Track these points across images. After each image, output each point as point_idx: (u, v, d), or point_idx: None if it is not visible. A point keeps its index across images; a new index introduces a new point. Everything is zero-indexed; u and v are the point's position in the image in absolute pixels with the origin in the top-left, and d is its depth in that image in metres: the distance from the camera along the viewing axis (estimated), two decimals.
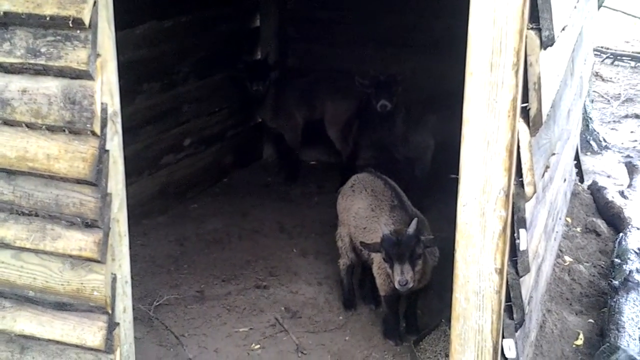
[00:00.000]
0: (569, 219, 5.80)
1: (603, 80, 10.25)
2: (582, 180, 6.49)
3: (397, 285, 3.95)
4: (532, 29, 2.90)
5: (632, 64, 11.09)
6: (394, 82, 5.79)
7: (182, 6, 5.98)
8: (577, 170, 6.44)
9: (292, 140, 6.85)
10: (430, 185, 6.03)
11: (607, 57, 11.20)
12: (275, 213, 6.18)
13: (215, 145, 6.74)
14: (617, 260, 4.99)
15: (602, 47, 11.23)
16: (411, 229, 3.92)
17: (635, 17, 12.07)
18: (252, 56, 7.06)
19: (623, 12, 11.87)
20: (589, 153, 7.38)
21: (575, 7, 3.95)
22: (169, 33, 5.88)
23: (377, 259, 4.27)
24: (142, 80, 5.66)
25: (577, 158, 6.34)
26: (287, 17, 7.16)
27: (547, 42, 2.93)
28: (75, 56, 3.21)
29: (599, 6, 7.05)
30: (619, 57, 11.26)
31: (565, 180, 5.25)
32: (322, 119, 6.78)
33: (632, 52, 11.46)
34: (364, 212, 4.45)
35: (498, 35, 2.85)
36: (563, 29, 3.35)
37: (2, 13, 3.23)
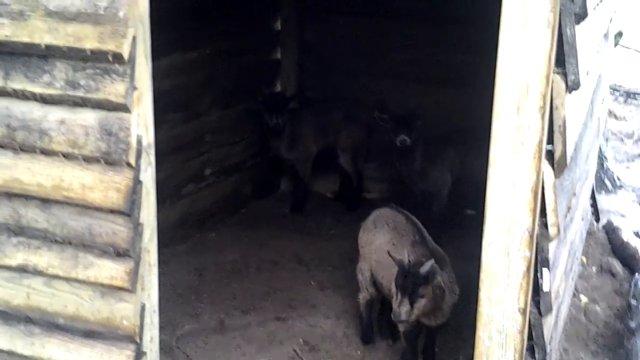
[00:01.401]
0: (584, 259, 5.86)
1: (616, 118, 10.32)
2: (597, 220, 6.54)
3: (392, 315, 4.01)
4: (558, 73, 2.99)
5: None
6: (413, 117, 5.89)
7: (206, 38, 6.10)
8: (592, 209, 6.50)
9: (304, 170, 6.96)
10: (447, 220, 6.09)
11: (620, 95, 11.28)
12: (292, 245, 6.24)
13: (235, 176, 6.83)
14: (634, 302, 5.03)
15: (615, 85, 11.32)
16: (423, 269, 3.97)
17: None
18: (272, 87, 7.18)
19: (636, 50, 11.99)
20: (603, 192, 7.43)
21: (597, 51, 4.05)
22: (193, 65, 6.00)
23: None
24: (166, 110, 5.75)
25: (593, 197, 6.40)
26: (306, 50, 7.29)
27: (572, 86, 3.02)
28: (113, 89, 3.31)
29: (615, 45, 7.14)
30: (632, 95, 11.34)
31: (582, 219, 5.31)
32: (334, 146, 6.91)
33: None
34: (385, 246, 4.51)
35: (525, 79, 2.95)
36: (587, 73, 3.45)
37: (43, 46, 3.35)
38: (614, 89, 11.11)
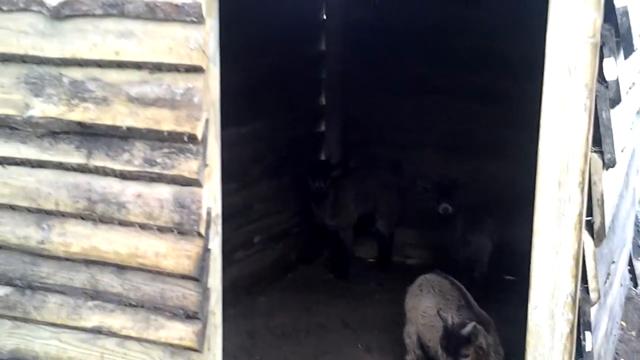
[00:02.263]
0: (623, 323, 6.02)
1: None
2: (635, 285, 6.71)
3: None
4: (595, 152, 3.28)
5: None
6: (454, 186, 6.17)
7: (258, 114, 6.49)
8: (630, 275, 6.67)
9: (346, 236, 7.23)
10: (488, 285, 6.31)
11: None
12: (338, 309, 6.47)
13: (282, 242, 7.13)
14: None
15: None
16: (465, 330, 4.20)
17: None
18: (317, 157, 7.54)
19: None
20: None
21: (631, 129, 4.34)
22: (246, 138, 6.37)
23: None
24: (222, 181, 6.10)
25: (630, 263, 6.59)
26: (349, 122, 7.65)
27: (609, 164, 3.30)
28: (187, 166, 3.66)
29: None
30: None
31: (621, 285, 5.51)
32: (373, 212, 7.21)
33: None
34: (431, 310, 4.75)
35: (565, 158, 3.23)
36: (622, 150, 3.73)
37: (124, 128, 3.72)
38: None
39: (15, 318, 4.19)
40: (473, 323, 4.25)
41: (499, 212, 6.39)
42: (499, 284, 6.53)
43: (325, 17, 7.45)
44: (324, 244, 7.75)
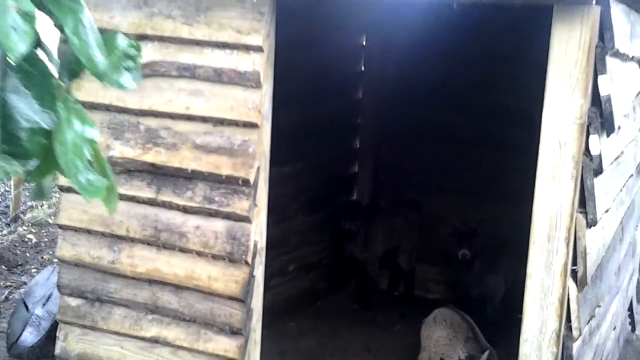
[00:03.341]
0: None
1: None
2: (634, 330, 7.26)
3: None
4: (580, 212, 3.92)
5: None
6: (474, 234, 6.80)
7: (298, 155, 7.20)
8: (630, 320, 7.23)
9: (373, 269, 7.88)
10: (500, 322, 6.90)
11: None
12: (361, 335, 7.09)
13: (313, 272, 7.80)
14: None
15: None
16: (483, 358, 4.84)
17: None
18: (349, 196, 8.23)
19: None
20: None
21: (621, 191, 4.97)
22: (286, 177, 7.05)
23: None
24: None
25: (630, 309, 7.15)
26: (381, 165, 8.34)
27: (591, 223, 3.93)
28: (240, 205, 4.37)
29: None
30: None
31: (615, 328, 6.09)
32: (396, 248, 7.87)
33: None
34: (442, 340, 5.39)
35: (555, 216, 3.88)
36: (607, 211, 4.37)
37: (190, 170, 4.45)
38: None
39: (84, 326, 4.91)
40: (487, 352, 4.89)
41: (512, 255, 7.00)
42: (510, 321, 7.11)
43: (363, 68, 8.18)
44: (351, 275, 8.42)
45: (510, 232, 7.18)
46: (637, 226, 6.11)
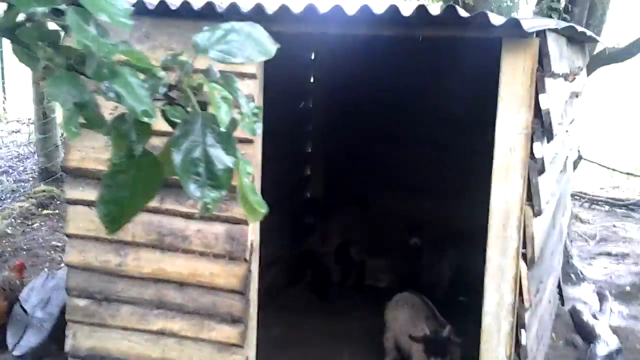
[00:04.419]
0: (553, 335, 7.52)
1: (581, 222, 12.11)
2: (563, 304, 8.23)
3: None
4: (528, 205, 4.75)
5: (606, 208, 13.01)
6: (423, 224, 7.61)
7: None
8: (559, 296, 8.21)
9: (328, 262, 8.63)
10: (447, 304, 7.73)
11: (585, 202, 13.14)
12: (323, 324, 7.68)
13: (274, 268, 8.46)
14: None
15: (581, 193, 13.18)
16: (446, 332, 5.63)
17: (609, 168, 14.15)
18: (304, 196, 8.96)
19: (599, 165, 13.94)
20: (569, 283, 9.15)
21: (556, 184, 5.85)
22: None
23: (417, 354, 5.96)
24: None
25: (559, 287, 8.12)
26: (331, 167, 9.08)
27: (537, 213, 4.77)
28: (237, 210, 4.97)
29: (575, 168, 8.98)
30: (595, 202, 13.20)
31: (550, 302, 7.01)
32: (348, 241, 8.62)
33: (606, 198, 13.40)
34: (406, 320, 6.17)
35: (508, 208, 4.69)
36: (547, 202, 5.22)
37: None
38: (580, 196, 12.98)
39: (92, 324, 5.44)
40: (449, 326, 5.67)
41: (456, 244, 7.86)
42: (455, 303, 7.97)
43: (312, 79, 8.91)
44: (307, 268, 9.11)
45: (453, 224, 8.05)
46: (563, 214, 7.05)
